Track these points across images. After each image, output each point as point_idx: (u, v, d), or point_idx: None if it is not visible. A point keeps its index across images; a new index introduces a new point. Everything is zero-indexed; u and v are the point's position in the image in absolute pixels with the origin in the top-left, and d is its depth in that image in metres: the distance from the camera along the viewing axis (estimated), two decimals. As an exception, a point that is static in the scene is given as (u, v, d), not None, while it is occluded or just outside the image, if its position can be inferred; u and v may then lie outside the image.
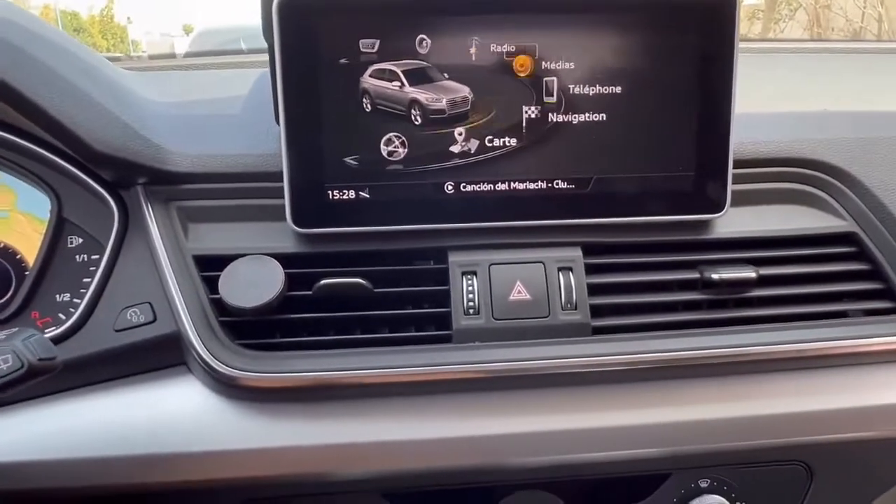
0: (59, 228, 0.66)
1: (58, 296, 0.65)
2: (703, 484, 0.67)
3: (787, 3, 8.92)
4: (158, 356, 0.62)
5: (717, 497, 0.66)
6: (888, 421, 0.65)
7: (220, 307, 0.61)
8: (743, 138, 0.68)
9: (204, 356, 0.59)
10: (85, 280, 0.64)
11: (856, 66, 1.12)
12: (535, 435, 0.61)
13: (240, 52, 1.22)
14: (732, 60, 0.63)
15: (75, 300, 0.64)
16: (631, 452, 0.62)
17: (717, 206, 0.66)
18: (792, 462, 0.67)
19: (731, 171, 0.65)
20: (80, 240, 0.66)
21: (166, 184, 0.65)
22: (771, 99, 0.79)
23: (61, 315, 0.64)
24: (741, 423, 0.63)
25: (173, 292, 0.61)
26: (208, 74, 0.95)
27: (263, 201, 0.65)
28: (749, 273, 0.65)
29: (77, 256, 0.66)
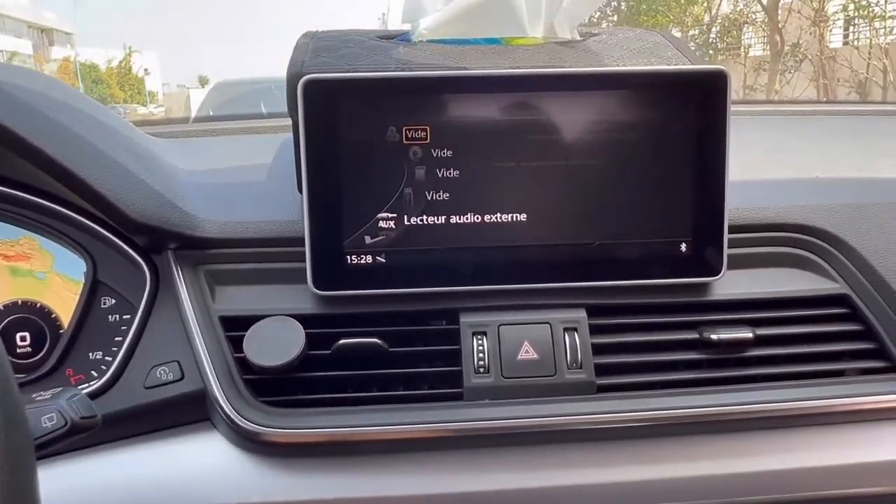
0: (93, 290, 0.69)
1: (91, 354, 0.68)
2: None
3: (793, 54, 9.06)
4: (185, 412, 0.65)
5: None
6: (884, 477, 0.67)
7: (245, 366, 0.64)
8: (738, 205, 0.72)
9: (228, 412, 0.62)
10: (117, 339, 0.68)
11: (854, 128, 1.16)
12: (542, 490, 0.64)
13: (260, 115, 1.29)
14: (725, 134, 0.67)
15: (107, 358, 0.67)
16: None
17: (715, 270, 0.69)
18: None
19: (726, 236, 0.68)
20: (113, 301, 0.70)
21: (195, 249, 0.69)
22: (765, 165, 0.83)
23: (94, 372, 0.67)
24: (740, 479, 0.65)
25: (200, 351, 0.65)
26: (232, 141, 1.00)
27: (286, 265, 0.69)
28: (746, 334, 0.68)
29: (110, 316, 0.69)
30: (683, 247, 0.69)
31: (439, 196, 0.66)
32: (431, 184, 0.66)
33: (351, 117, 0.65)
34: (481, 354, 0.66)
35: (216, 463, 0.64)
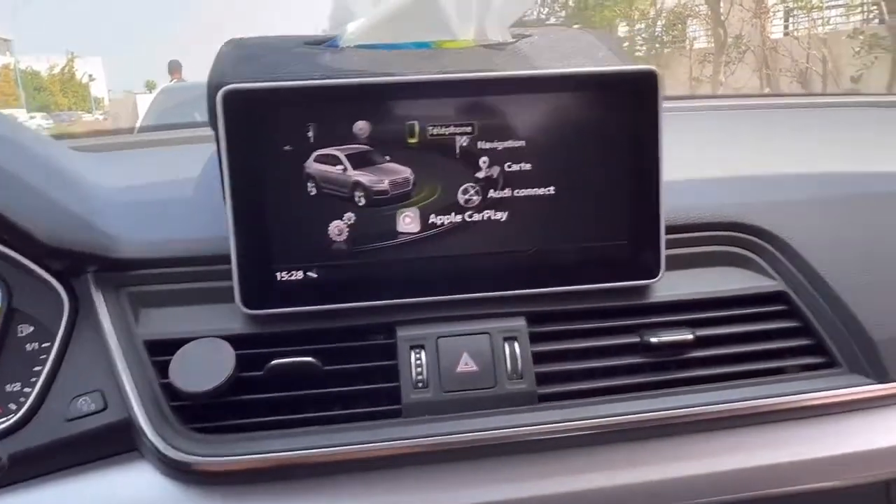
0: (8, 318, 0.66)
1: (8, 386, 0.64)
2: None
3: (736, 46, 9.23)
4: (111, 444, 0.62)
5: None
6: (826, 473, 0.67)
7: (172, 392, 0.61)
8: (675, 205, 0.71)
9: (155, 442, 0.59)
10: (35, 369, 0.64)
11: (794, 120, 1.17)
12: None
13: (194, 124, 1.24)
14: (658, 134, 0.66)
15: (26, 389, 0.64)
16: None
17: (653, 272, 0.68)
18: None
19: (663, 237, 0.68)
20: (31, 328, 0.66)
21: (116, 270, 0.66)
22: (701, 162, 0.83)
23: (12, 405, 0.63)
24: (685, 482, 0.64)
25: (124, 379, 0.61)
26: (161, 153, 0.96)
27: (213, 284, 0.66)
28: (686, 335, 0.67)
29: (27, 345, 0.65)
30: (621, 250, 0.68)
31: (369, 207, 0.64)
32: (363, 194, 0.64)
33: (275, 128, 0.62)
34: (419, 369, 0.64)
35: (147, 496, 0.61)
